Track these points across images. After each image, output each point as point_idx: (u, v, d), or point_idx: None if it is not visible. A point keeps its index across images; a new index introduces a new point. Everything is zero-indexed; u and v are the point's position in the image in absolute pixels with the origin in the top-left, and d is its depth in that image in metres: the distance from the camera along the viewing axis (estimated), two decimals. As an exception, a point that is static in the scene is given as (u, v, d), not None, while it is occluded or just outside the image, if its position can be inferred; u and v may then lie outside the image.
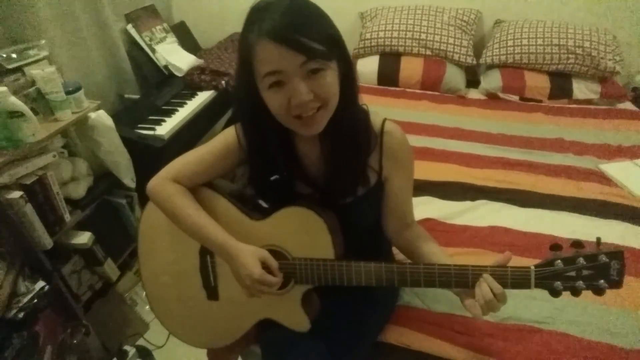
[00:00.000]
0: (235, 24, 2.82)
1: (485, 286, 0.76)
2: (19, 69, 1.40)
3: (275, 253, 0.88)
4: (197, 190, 0.92)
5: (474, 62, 2.42)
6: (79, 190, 1.54)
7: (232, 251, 0.84)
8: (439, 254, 0.90)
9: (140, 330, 1.75)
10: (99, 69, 1.95)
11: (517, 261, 1.19)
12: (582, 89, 2.25)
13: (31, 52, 1.48)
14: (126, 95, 2.08)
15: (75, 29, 1.80)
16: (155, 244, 1.00)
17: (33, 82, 1.39)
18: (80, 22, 1.82)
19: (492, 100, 2.31)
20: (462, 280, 0.80)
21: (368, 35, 2.48)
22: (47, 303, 1.32)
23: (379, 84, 2.47)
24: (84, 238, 1.52)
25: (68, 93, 1.43)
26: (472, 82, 2.47)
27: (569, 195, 1.49)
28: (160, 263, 1.00)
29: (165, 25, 2.38)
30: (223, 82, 2.18)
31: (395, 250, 1.16)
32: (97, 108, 1.54)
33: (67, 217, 1.45)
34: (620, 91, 2.24)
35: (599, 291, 0.74)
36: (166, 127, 1.82)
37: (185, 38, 2.56)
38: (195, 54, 2.37)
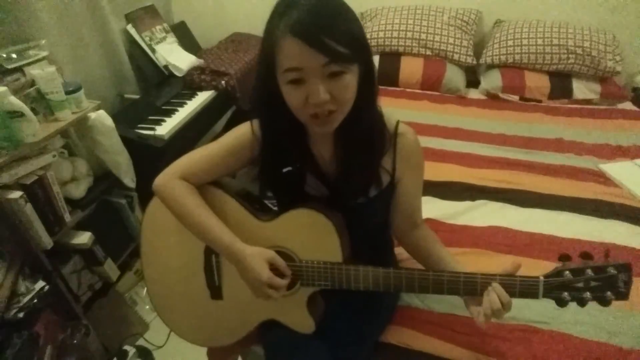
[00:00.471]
0: (235, 24, 2.84)
1: (495, 296, 0.76)
2: (19, 69, 1.40)
3: (282, 255, 0.87)
4: (205, 188, 0.91)
5: (474, 62, 2.43)
6: (79, 190, 1.54)
7: (239, 254, 0.83)
8: (447, 258, 0.90)
9: (140, 330, 1.75)
10: (99, 69, 1.95)
11: (517, 261, 1.21)
12: (582, 89, 2.25)
13: (31, 52, 1.48)
14: (126, 95, 2.08)
15: (75, 29, 1.80)
16: (159, 241, 0.99)
17: (33, 82, 1.39)
18: (80, 22, 1.82)
19: (492, 100, 2.31)
20: (470, 288, 0.80)
21: (368, 35, 2.47)
22: (47, 303, 1.32)
23: (379, 84, 2.46)
24: (84, 238, 1.52)
25: (68, 93, 1.43)
26: (472, 82, 2.47)
27: (569, 195, 1.48)
28: (163, 260, 0.99)
29: (165, 25, 2.38)
30: (223, 82, 2.18)
31: (396, 250, 1.16)
32: (97, 108, 1.54)
33: (67, 217, 1.45)
34: (620, 91, 2.24)
35: (604, 302, 0.75)
36: (166, 127, 1.82)
37: (185, 38, 2.55)
38: (195, 54, 2.37)
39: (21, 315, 1.21)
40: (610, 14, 2.34)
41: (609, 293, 0.74)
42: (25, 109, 1.24)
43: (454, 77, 2.38)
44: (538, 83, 2.28)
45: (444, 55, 2.40)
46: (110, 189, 1.71)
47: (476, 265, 1.03)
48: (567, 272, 0.75)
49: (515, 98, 2.29)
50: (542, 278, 0.76)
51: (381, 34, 2.45)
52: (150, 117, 1.89)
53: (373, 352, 1.00)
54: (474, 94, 2.40)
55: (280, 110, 0.76)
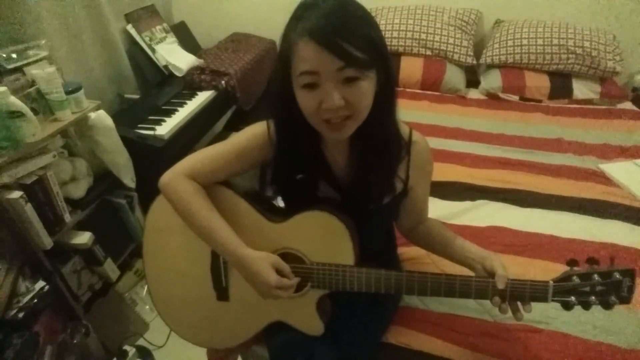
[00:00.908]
0: (235, 24, 2.84)
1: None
2: (19, 69, 1.40)
3: (292, 256, 0.87)
4: (214, 188, 0.89)
5: (474, 62, 2.43)
6: (79, 190, 1.54)
7: (245, 259, 0.82)
8: (455, 244, 0.92)
9: (140, 330, 1.75)
10: (99, 69, 1.95)
11: (517, 261, 1.21)
12: (582, 89, 2.25)
13: (31, 52, 1.48)
14: (126, 95, 2.08)
15: (75, 29, 1.80)
16: (163, 240, 0.97)
17: (33, 82, 1.39)
18: (80, 22, 1.82)
19: (492, 100, 2.31)
20: (482, 292, 0.81)
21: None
22: (47, 303, 1.32)
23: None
24: (84, 238, 1.52)
25: (68, 93, 1.43)
26: (472, 82, 2.47)
27: (569, 195, 1.48)
28: (167, 260, 0.98)
29: (165, 25, 2.38)
30: (223, 82, 2.18)
31: (398, 249, 1.17)
32: (97, 108, 1.54)
33: (67, 217, 1.45)
34: (620, 91, 2.24)
35: (608, 306, 0.78)
36: (166, 127, 1.82)
37: (185, 38, 2.55)
38: (195, 54, 2.37)
39: (21, 315, 1.21)
40: (610, 14, 2.34)
41: (612, 297, 0.76)
42: (25, 109, 1.24)
43: (454, 77, 2.38)
44: (538, 83, 2.28)
45: (444, 55, 2.40)
46: (110, 189, 1.70)
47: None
48: (575, 277, 0.78)
49: (515, 98, 2.29)
50: (551, 283, 0.79)
51: (381, 34, 2.44)
52: (150, 117, 1.89)
53: (375, 352, 0.99)
54: (474, 94, 2.40)
55: (295, 115, 0.75)
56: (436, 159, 1.68)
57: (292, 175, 0.86)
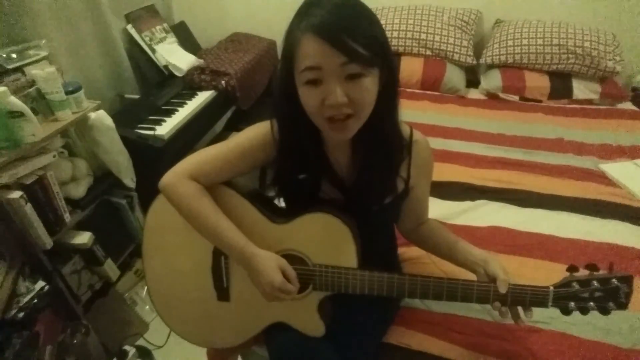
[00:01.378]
0: (235, 24, 2.84)
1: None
2: (19, 69, 1.40)
3: (295, 258, 0.87)
4: (216, 188, 0.88)
5: (474, 62, 2.43)
6: (79, 190, 1.54)
7: (252, 258, 0.82)
8: (456, 245, 0.92)
9: (140, 330, 1.75)
10: (99, 69, 1.95)
11: (517, 261, 1.21)
12: (582, 89, 2.26)
13: (31, 52, 1.48)
14: (126, 95, 2.08)
15: (75, 29, 1.79)
16: (162, 240, 0.97)
17: (33, 82, 1.39)
18: (80, 22, 1.82)
19: (492, 100, 2.31)
20: (483, 296, 0.81)
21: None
22: (47, 303, 1.32)
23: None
24: (84, 238, 1.52)
25: (68, 93, 1.43)
26: (472, 82, 2.47)
27: (569, 195, 1.48)
28: (167, 260, 0.98)
29: (165, 25, 2.38)
30: (223, 82, 2.18)
31: (399, 250, 1.17)
32: (97, 108, 1.54)
33: (67, 217, 1.45)
34: (620, 91, 2.24)
35: (605, 311, 0.79)
36: (166, 127, 1.82)
37: (185, 38, 2.55)
38: (195, 54, 2.37)
39: (21, 315, 1.21)
40: (610, 14, 2.34)
41: (610, 303, 0.78)
42: (25, 109, 1.24)
43: (454, 77, 2.38)
44: (538, 83, 2.28)
45: (444, 55, 2.40)
46: (110, 189, 1.70)
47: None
48: (575, 283, 0.79)
49: (515, 98, 2.29)
50: (552, 288, 0.79)
51: (381, 34, 2.44)
52: (150, 117, 1.89)
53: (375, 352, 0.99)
54: (474, 94, 2.40)
55: (298, 114, 0.75)
56: (436, 159, 1.67)
57: (294, 175, 0.85)
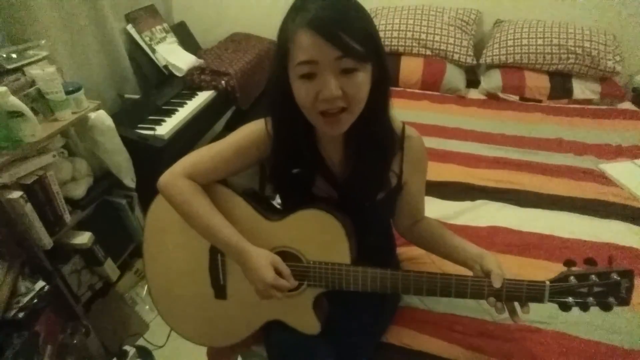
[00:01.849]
0: (235, 24, 2.84)
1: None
2: (19, 69, 1.40)
3: (289, 255, 0.87)
4: (212, 187, 0.89)
5: (474, 62, 2.43)
6: (79, 190, 1.54)
7: (246, 255, 0.83)
8: (453, 242, 0.92)
9: (140, 330, 1.75)
10: (99, 69, 1.95)
11: (516, 261, 1.21)
12: (582, 89, 2.25)
13: (31, 52, 1.48)
14: (126, 95, 2.08)
15: (75, 29, 1.80)
16: (162, 239, 0.98)
17: (33, 82, 1.39)
18: (80, 22, 1.82)
19: (492, 100, 2.31)
20: (478, 291, 0.81)
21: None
22: (47, 303, 1.32)
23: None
24: (84, 238, 1.52)
25: (68, 93, 1.43)
26: (472, 82, 2.47)
27: (568, 195, 1.48)
28: (166, 259, 0.99)
29: (165, 25, 2.38)
30: (223, 82, 2.18)
31: (397, 250, 1.17)
32: (97, 108, 1.54)
33: (67, 217, 1.45)
34: (620, 91, 2.24)
35: (607, 307, 0.77)
36: (166, 127, 1.82)
37: (185, 38, 2.56)
38: (195, 54, 2.37)
39: (21, 315, 1.21)
40: (610, 13, 2.34)
41: (611, 299, 0.76)
42: (25, 109, 1.24)
43: (454, 77, 2.38)
44: (538, 83, 2.28)
45: (444, 55, 2.40)
46: (110, 189, 1.71)
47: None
48: (572, 277, 0.77)
49: (515, 98, 2.29)
50: (548, 283, 0.78)
51: (381, 34, 2.42)
52: (150, 117, 1.89)
53: (375, 352, 1.00)
54: (474, 94, 2.40)
55: (293, 112, 0.76)
56: (436, 159, 1.72)
57: (288, 169, 0.86)
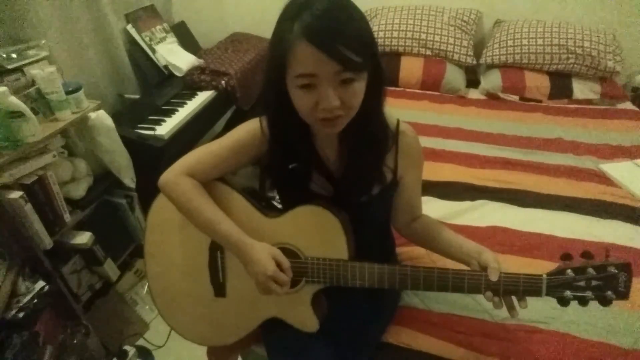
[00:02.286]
0: (235, 24, 2.84)
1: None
2: (19, 69, 1.40)
3: (288, 251, 0.88)
4: (211, 185, 0.91)
5: (474, 62, 2.43)
6: (79, 190, 1.54)
7: (246, 248, 0.84)
8: (451, 240, 0.92)
9: (140, 330, 1.75)
10: (99, 69, 1.95)
11: (517, 261, 1.21)
12: (582, 89, 2.25)
13: (31, 52, 1.48)
14: (126, 95, 2.08)
15: (75, 29, 1.80)
16: (163, 237, 0.99)
17: (33, 82, 1.39)
18: (80, 22, 1.82)
19: (492, 100, 2.31)
20: (475, 285, 0.80)
21: (368, 35, 2.48)
22: (47, 303, 1.32)
23: (378, 84, 2.47)
24: (84, 238, 1.52)
25: (68, 93, 1.43)
26: (472, 82, 2.47)
27: (568, 195, 1.48)
28: (167, 257, 0.99)
29: (165, 25, 2.38)
30: (223, 82, 2.18)
31: (398, 250, 1.17)
32: (97, 108, 1.54)
33: (67, 217, 1.45)
34: (620, 91, 2.24)
35: (605, 302, 0.76)
36: (166, 127, 1.82)
37: (185, 38, 2.55)
38: (195, 54, 2.37)
39: (21, 315, 1.21)
40: (610, 14, 2.34)
41: (609, 292, 0.75)
42: (25, 109, 1.24)
43: (454, 77, 2.38)
44: (538, 83, 2.28)
45: (444, 55, 2.40)
46: (110, 189, 1.71)
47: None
48: (569, 270, 0.76)
49: (515, 98, 2.29)
50: (545, 276, 0.77)
51: (381, 34, 2.45)
52: (150, 117, 1.89)
53: (374, 352, 1.00)
54: (474, 94, 2.40)
55: (288, 112, 0.76)
56: (436, 159, 1.72)
57: (285, 165, 0.87)
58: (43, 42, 1.53)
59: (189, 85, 2.19)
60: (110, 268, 1.66)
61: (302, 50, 0.66)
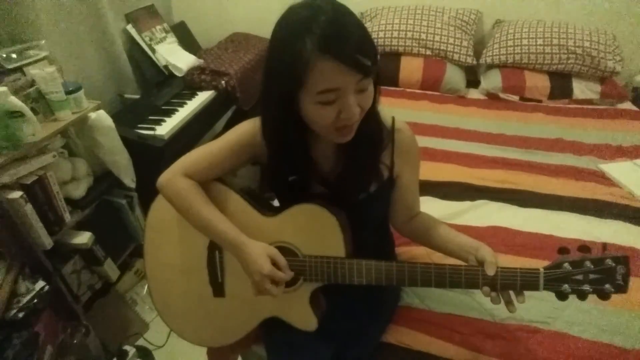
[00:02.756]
0: (235, 24, 2.84)
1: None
2: (19, 69, 1.40)
3: (286, 250, 0.88)
4: (209, 185, 0.91)
5: (474, 62, 2.43)
6: (79, 190, 1.54)
7: (243, 247, 0.84)
8: (449, 236, 0.92)
9: (140, 330, 1.75)
10: (99, 69, 1.95)
11: (517, 261, 1.21)
12: (582, 89, 2.26)
13: (31, 52, 1.48)
14: (126, 95, 2.08)
15: (75, 29, 1.80)
16: (162, 238, 0.99)
17: (33, 82, 1.39)
18: (80, 22, 1.82)
19: (492, 100, 2.31)
20: (472, 280, 0.80)
21: (368, 35, 2.48)
22: (47, 303, 1.32)
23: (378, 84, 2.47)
24: (84, 238, 1.52)
25: (68, 93, 1.43)
26: (472, 82, 2.47)
27: (569, 195, 1.49)
28: (166, 258, 0.99)
29: (165, 25, 2.38)
30: (223, 82, 2.18)
31: (397, 250, 1.17)
32: (97, 108, 1.54)
33: (67, 217, 1.45)
34: (620, 91, 2.24)
35: (604, 295, 0.75)
36: (166, 127, 1.82)
37: (185, 38, 2.55)
38: (195, 54, 2.37)
39: (21, 315, 1.21)
40: (610, 14, 2.34)
41: (607, 286, 0.74)
42: (25, 109, 1.24)
43: (454, 77, 2.38)
44: (538, 83, 2.28)
45: (444, 55, 2.40)
46: (110, 189, 1.71)
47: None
48: (567, 264, 0.76)
49: (515, 98, 2.29)
50: (542, 270, 0.77)
51: (381, 34, 2.45)
52: (150, 117, 1.89)
53: (374, 351, 1.00)
54: (474, 94, 2.40)
55: (290, 126, 0.78)
56: (436, 159, 1.72)
57: (285, 177, 0.88)
58: (43, 42, 1.53)
59: (189, 85, 2.19)
60: (110, 268, 1.66)
61: (322, 66, 0.66)
